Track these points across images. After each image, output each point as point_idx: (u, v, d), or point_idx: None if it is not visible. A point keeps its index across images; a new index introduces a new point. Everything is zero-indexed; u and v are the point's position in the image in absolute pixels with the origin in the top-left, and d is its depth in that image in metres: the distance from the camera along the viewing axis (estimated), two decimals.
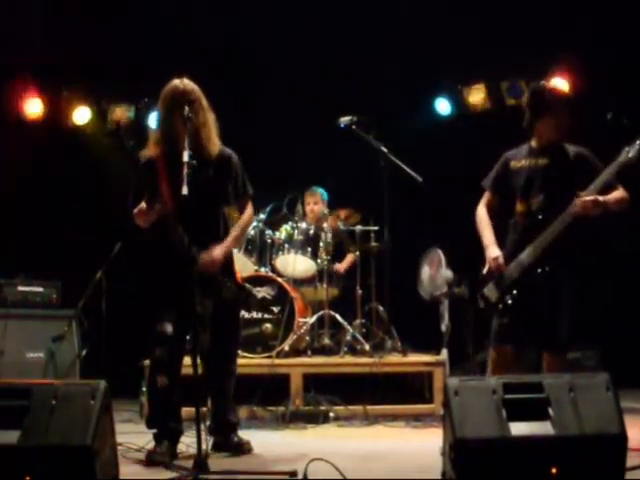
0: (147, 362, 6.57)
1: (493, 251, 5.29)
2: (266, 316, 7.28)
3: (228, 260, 5.18)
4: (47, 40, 8.29)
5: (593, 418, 3.71)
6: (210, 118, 5.09)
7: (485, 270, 5.33)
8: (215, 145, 5.12)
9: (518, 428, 3.67)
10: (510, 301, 5.19)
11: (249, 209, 5.33)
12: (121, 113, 9.02)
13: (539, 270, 5.10)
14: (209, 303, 4.99)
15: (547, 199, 5.13)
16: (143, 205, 4.87)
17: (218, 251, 5.04)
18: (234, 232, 5.21)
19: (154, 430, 5.07)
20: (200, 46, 8.54)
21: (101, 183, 8.69)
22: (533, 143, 5.29)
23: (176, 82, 5.07)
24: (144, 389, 6.75)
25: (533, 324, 5.16)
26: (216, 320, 5.05)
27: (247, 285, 6.95)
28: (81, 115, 9.06)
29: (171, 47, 8.41)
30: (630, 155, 4.86)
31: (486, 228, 5.40)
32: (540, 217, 5.12)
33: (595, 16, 8.03)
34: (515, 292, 5.18)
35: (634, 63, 8.19)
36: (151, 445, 4.99)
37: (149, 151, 5.10)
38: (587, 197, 4.97)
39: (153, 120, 8.67)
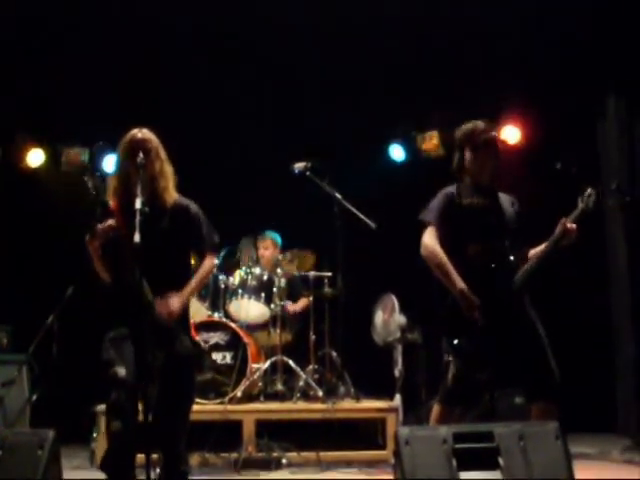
0: (98, 408, 6.54)
1: (474, 299, 4.87)
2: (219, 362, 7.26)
3: (184, 312, 5.14)
4: None
5: (542, 466, 3.74)
6: (167, 169, 5.08)
7: (473, 320, 4.86)
8: (171, 195, 5.10)
9: (468, 477, 3.69)
10: (492, 355, 4.84)
11: (209, 259, 5.25)
12: (75, 156, 8.97)
13: (520, 316, 4.91)
14: (160, 355, 4.93)
15: (508, 243, 5.02)
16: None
17: (175, 302, 4.97)
18: (193, 283, 5.11)
19: (106, 475, 5.00)
20: (154, 89, 8.55)
21: (54, 226, 8.62)
22: (468, 182, 5.15)
23: (134, 131, 5.07)
24: (95, 435, 6.69)
25: (525, 375, 4.92)
26: (167, 373, 4.98)
27: (202, 344, 6.94)
28: (35, 157, 9.01)
29: (125, 91, 8.42)
30: (585, 205, 4.92)
31: (450, 267, 4.94)
32: (502, 260, 4.98)
33: (546, 66, 8.17)
34: (496, 343, 4.84)
35: (583, 112, 8.36)
36: None
37: (108, 197, 5.10)
38: (572, 224, 4.91)
39: (107, 164, 8.70)
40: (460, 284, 4.92)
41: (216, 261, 7.46)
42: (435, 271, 5.02)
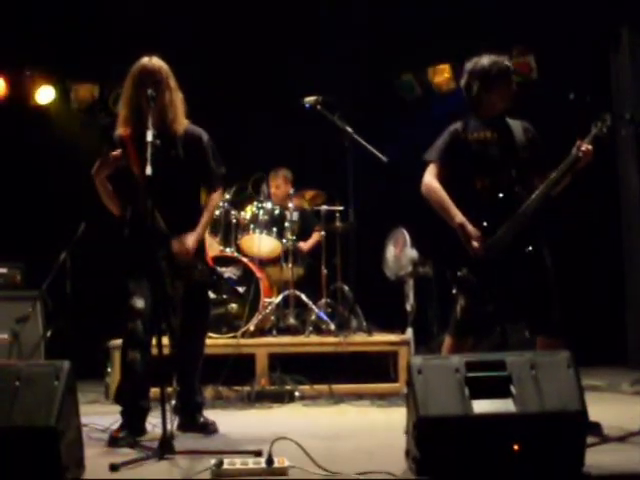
0: (112, 343, 6.59)
1: (473, 230, 4.87)
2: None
3: (200, 243, 5.18)
4: (8, 18, 8.19)
5: (554, 395, 3.75)
6: (177, 98, 5.08)
7: (473, 251, 4.85)
8: (181, 124, 5.11)
9: (480, 406, 3.70)
10: (496, 286, 4.85)
11: (218, 191, 5.32)
12: (85, 92, 8.93)
13: (528, 249, 4.87)
14: (180, 285, 5.00)
15: (515, 173, 4.97)
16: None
17: (191, 240, 5.03)
18: (205, 217, 5.18)
19: (121, 406, 5.06)
20: (165, 24, 8.47)
21: (66, 162, 8.61)
22: (480, 116, 5.11)
23: (144, 61, 5.05)
24: (109, 370, 6.75)
25: (527, 308, 4.94)
26: (186, 302, 5.06)
27: (217, 268, 6.96)
28: (45, 94, 8.96)
29: (136, 26, 8.34)
30: (598, 130, 4.86)
31: (449, 202, 4.97)
32: (510, 191, 4.94)
33: None
34: (501, 275, 4.84)
35: (597, 42, 8.27)
36: (116, 425, 4.98)
37: (119, 130, 5.10)
38: (589, 145, 4.82)
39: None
40: (458, 217, 4.94)
41: (227, 196, 7.59)
42: (434, 207, 5.05)
